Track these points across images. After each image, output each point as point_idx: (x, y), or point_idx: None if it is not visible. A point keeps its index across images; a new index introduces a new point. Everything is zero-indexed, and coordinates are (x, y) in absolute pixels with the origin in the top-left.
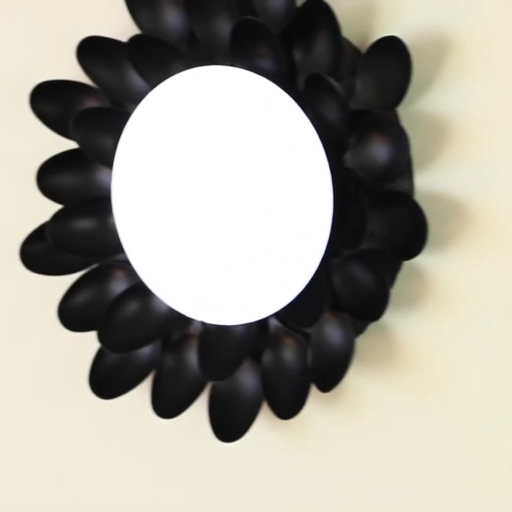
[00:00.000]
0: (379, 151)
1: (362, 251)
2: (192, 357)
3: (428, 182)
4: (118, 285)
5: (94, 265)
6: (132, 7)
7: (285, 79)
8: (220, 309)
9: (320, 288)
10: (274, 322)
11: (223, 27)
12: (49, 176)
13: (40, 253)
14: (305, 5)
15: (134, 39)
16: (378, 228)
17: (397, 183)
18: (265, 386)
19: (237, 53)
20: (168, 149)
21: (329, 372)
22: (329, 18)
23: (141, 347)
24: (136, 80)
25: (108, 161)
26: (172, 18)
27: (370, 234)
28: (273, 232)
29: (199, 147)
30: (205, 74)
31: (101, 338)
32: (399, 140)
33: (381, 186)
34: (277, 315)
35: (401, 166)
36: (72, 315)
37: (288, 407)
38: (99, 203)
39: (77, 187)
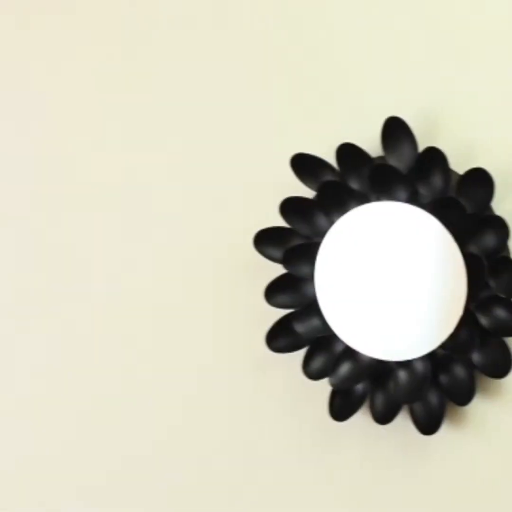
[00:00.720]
0: (488, 238)
1: (489, 296)
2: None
3: None
4: (336, 349)
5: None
6: (300, 176)
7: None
8: (402, 351)
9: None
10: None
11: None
12: (273, 295)
13: (283, 345)
14: (424, 151)
15: (320, 188)
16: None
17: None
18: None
19: (380, 190)
20: (352, 264)
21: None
22: (442, 160)
23: (356, 385)
24: (321, 219)
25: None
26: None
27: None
28: (432, 297)
29: (372, 259)
30: (374, 209)
31: (331, 382)
32: (502, 228)
33: (492, 258)
34: (444, 347)
35: (505, 245)
36: (312, 371)
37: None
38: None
39: (292, 298)
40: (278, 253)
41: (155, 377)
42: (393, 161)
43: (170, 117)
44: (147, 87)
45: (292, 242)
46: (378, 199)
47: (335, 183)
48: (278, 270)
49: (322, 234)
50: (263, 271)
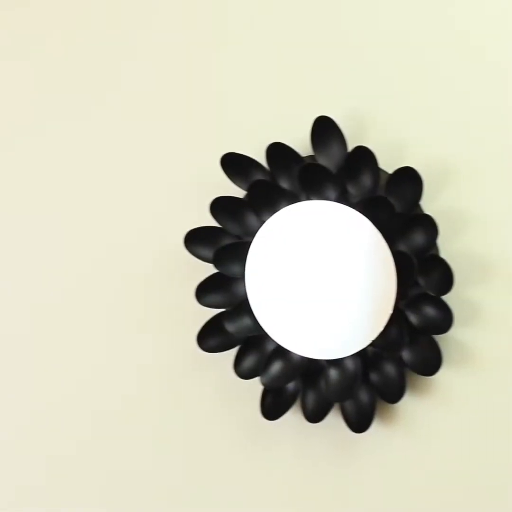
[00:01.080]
0: (418, 237)
1: (418, 294)
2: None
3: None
4: (267, 348)
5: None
6: (230, 176)
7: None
8: (333, 349)
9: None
10: (372, 350)
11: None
12: (204, 295)
13: (215, 344)
14: (354, 151)
15: (251, 187)
16: (423, 279)
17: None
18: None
19: (310, 190)
20: (282, 264)
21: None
22: (371, 159)
23: (287, 384)
24: (251, 218)
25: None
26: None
27: (418, 283)
28: (362, 295)
29: (302, 258)
30: (304, 208)
31: (263, 381)
32: (431, 226)
33: (421, 257)
34: (374, 345)
35: (433, 243)
36: (244, 371)
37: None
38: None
39: (223, 298)
40: (209, 253)
41: (87, 377)
42: (322, 161)
43: (100, 118)
44: (77, 87)
45: (222, 242)
46: (308, 198)
47: (265, 183)
48: (210, 270)
49: (252, 233)
50: (195, 271)
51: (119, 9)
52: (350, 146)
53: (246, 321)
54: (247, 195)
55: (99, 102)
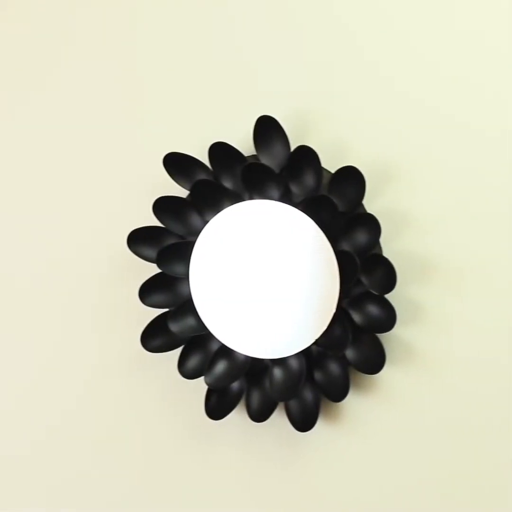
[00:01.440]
0: (361, 236)
1: (361, 293)
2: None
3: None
4: (211, 347)
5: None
6: (172, 175)
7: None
8: (277, 349)
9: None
10: (316, 348)
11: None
12: (148, 295)
13: (159, 344)
14: (296, 150)
15: (193, 187)
16: (366, 278)
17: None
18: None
19: (252, 189)
20: (226, 263)
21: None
22: (314, 158)
23: (231, 383)
24: (195, 218)
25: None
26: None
27: (361, 282)
28: (305, 294)
29: (246, 258)
30: (247, 207)
31: (207, 381)
32: (374, 225)
33: (364, 256)
34: (318, 344)
35: (376, 242)
36: (188, 370)
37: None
38: (186, 306)
39: (167, 298)
40: (152, 253)
41: (34, 376)
42: (265, 160)
43: (43, 117)
44: (21, 86)
45: (166, 242)
46: (251, 197)
47: (208, 182)
48: (155, 270)
49: (196, 233)
50: (141, 271)
51: (57, 7)
52: (293, 146)
53: (190, 321)
54: (190, 195)
55: (41, 102)
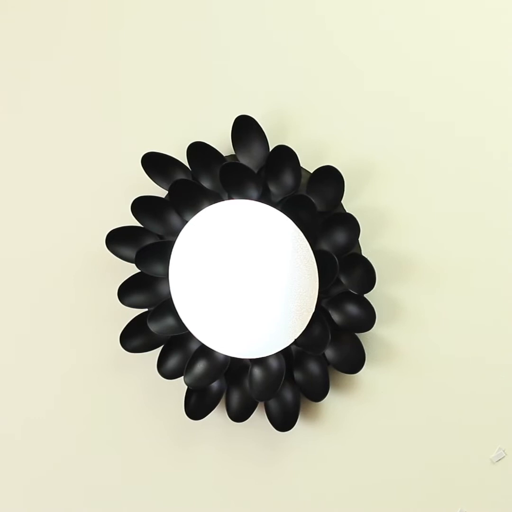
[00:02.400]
0: (339, 235)
1: (341, 292)
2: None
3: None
4: (191, 347)
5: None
6: (151, 175)
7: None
8: (257, 348)
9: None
10: (296, 348)
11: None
12: (127, 295)
13: (138, 344)
14: (275, 150)
15: (172, 187)
16: (345, 278)
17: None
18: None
19: (231, 189)
20: (205, 263)
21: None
22: (292, 158)
23: (211, 383)
24: (174, 218)
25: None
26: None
27: (340, 282)
28: (284, 294)
29: (225, 257)
30: (225, 207)
31: (186, 381)
32: (353, 225)
33: (343, 256)
34: (297, 343)
35: (355, 242)
36: (167, 370)
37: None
38: (166, 306)
39: (147, 298)
40: (131, 253)
41: (14, 376)
42: (244, 160)
43: (21, 117)
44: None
45: (144, 242)
46: (230, 197)
47: (187, 182)
48: (134, 269)
49: (175, 233)
50: (120, 271)
51: (38, 6)
52: (271, 145)
53: (170, 320)
54: (168, 195)
55: (18, 101)
